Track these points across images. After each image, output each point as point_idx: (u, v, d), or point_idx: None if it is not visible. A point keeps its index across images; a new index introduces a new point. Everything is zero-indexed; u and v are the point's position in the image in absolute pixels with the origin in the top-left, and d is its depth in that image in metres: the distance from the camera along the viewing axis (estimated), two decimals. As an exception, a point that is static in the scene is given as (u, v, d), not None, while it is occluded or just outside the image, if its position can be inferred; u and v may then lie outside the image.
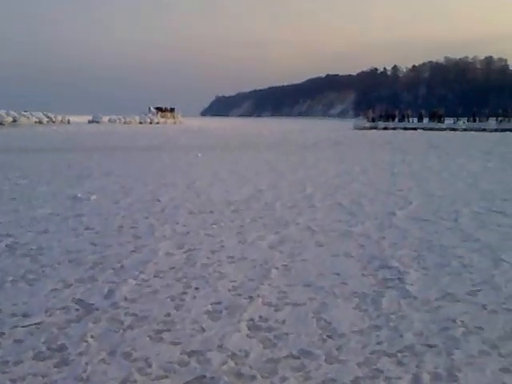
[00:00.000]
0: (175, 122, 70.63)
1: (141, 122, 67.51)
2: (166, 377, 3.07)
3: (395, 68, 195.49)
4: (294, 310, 4.13)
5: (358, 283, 4.78)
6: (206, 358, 3.29)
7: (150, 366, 3.20)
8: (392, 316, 3.98)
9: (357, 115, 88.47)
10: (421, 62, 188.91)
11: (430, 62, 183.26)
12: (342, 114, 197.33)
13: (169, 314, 4.00)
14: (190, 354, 3.36)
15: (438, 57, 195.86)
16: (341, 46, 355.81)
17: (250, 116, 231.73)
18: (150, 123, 65.91)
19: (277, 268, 5.25)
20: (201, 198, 9.64)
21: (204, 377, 3.07)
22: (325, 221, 7.58)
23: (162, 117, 70.22)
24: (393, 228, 7.09)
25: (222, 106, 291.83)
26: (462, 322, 3.88)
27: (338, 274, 5.05)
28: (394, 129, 54.26)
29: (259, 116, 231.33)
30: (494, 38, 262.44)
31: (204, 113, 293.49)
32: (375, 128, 54.99)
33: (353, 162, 16.59)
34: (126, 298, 4.36)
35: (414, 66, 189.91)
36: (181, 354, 3.35)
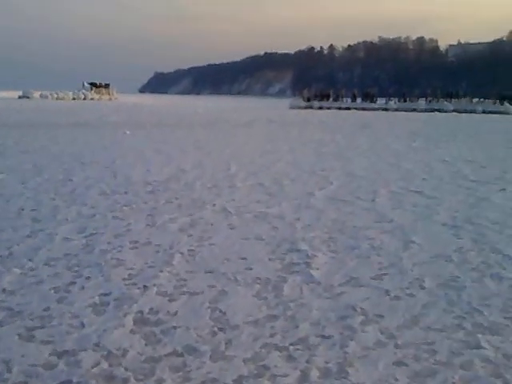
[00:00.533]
0: (110, 99, 68.28)
1: (74, 98, 64.86)
2: (25, 383, 2.69)
3: (331, 47, 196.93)
4: (189, 299, 3.83)
5: (263, 268, 4.53)
6: (76, 359, 2.92)
7: (9, 370, 2.80)
8: (291, 304, 3.75)
9: (294, 94, 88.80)
10: (356, 42, 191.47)
11: (365, 41, 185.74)
12: (280, 93, 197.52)
13: (48, 308, 3.60)
14: (61, 354, 2.98)
15: (373, 36, 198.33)
16: (278, 24, 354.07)
17: (189, 94, 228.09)
18: (84, 99, 63.49)
19: (181, 253, 4.92)
20: (117, 177, 9.13)
21: (69, 382, 2.71)
22: (242, 202, 7.30)
23: (97, 93, 67.69)
24: (309, 209, 6.90)
25: (160, 83, 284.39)
26: (362, 309, 3.69)
27: (244, 259, 4.78)
28: (329, 108, 54.79)
29: (198, 94, 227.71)
30: (425, 18, 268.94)
31: (142, 89, 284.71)
32: (311, 107, 55.32)
33: (282, 142, 16.40)
34: (4, 290, 3.91)
35: (349, 46, 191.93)
36: (50, 354, 2.97)
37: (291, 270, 4.48)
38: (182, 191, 7.98)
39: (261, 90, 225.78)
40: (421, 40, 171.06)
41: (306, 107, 55.81)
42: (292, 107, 56.70)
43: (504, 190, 8.59)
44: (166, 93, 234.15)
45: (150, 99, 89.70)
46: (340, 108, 54.98)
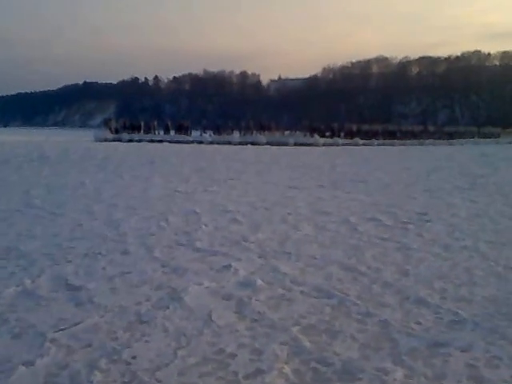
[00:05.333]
0: None
1: None
2: None
3: (157, 78, 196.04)
4: None
5: None
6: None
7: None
8: None
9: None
10: (181, 74, 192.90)
11: (190, 73, 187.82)
12: (103, 125, 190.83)
13: None
14: None
15: (198, 69, 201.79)
16: (98, 53, 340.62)
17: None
18: None
19: None
20: None
21: None
22: None
23: None
24: None
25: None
26: None
27: None
28: (140, 141, 51.56)
29: (6, 126, 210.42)
30: (248, 54, 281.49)
31: None
32: (119, 140, 51.70)
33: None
34: None
35: (175, 78, 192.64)
36: None
37: None
38: None
39: (81, 121, 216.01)
40: (244, 74, 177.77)
41: (113, 140, 51.95)
42: (97, 139, 52.48)
43: (229, 265, 6.06)
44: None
45: None
46: (152, 141, 51.94)
